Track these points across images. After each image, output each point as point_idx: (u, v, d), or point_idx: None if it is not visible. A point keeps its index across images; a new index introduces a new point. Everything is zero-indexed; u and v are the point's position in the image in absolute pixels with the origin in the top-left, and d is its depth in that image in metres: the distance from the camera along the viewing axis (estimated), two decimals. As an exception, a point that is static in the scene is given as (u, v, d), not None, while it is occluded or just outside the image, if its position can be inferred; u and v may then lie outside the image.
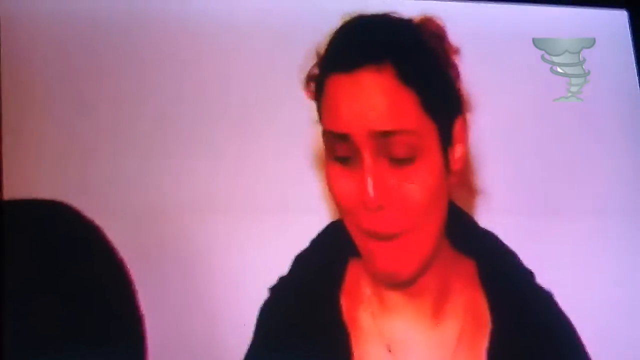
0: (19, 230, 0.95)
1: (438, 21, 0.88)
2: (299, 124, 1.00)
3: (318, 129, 0.88)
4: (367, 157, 0.80)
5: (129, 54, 1.06)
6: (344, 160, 0.83)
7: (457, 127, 0.86)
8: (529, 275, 0.97)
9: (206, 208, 1.05)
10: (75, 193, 1.00)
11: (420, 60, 0.84)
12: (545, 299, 0.96)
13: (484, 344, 0.90)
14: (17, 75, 1.01)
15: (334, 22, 0.88)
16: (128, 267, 0.99)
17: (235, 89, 1.08)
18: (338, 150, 0.83)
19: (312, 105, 0.89)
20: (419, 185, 0.82)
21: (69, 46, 1.05)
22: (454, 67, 0.89)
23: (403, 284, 0.88)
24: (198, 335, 1.01)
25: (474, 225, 0.98)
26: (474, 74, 1.14)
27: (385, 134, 0.80)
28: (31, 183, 0.99)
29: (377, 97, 0.80)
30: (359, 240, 0.86)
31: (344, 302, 0.92)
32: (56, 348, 0.92)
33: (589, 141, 1.17)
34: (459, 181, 0.91)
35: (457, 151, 0.86)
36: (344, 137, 0.81)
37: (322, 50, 0.87)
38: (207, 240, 1.04)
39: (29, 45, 1.03)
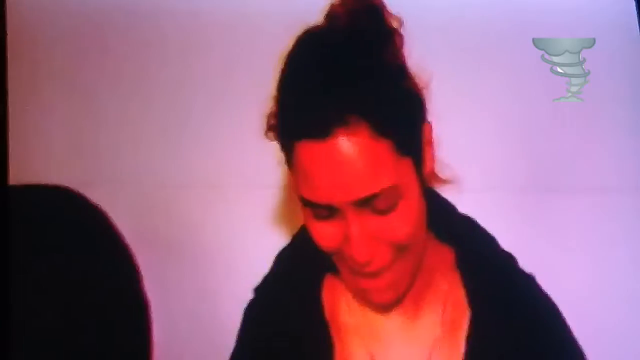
0: (25, 215, 0.96)
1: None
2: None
3: (284, 168, 0.83)
4: (352, 222, 0.78)
5: (133, 40, 1.08)
6: (325, 217, 0.80)
7: (424, 135, 0.83)
8: (508, 258, 0.94)
9: (210, 189, 1.06)
10: (80, 178, 1.01)
11: (388, 98, 0.77)
12: (525, 281, 0.93)
13: (463, 331, 0.88)
14: (24, 62, 1.02)
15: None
16: (134, 252, 1.00)
17: (228, 70, 1.09)
18: (318, 212, 0.80)
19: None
20: (404, 222, 0.80)
21: (75, 33, 1.07)
22: (398, 38, 0.82)
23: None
24: (203, 319, 1.01)
25: (452, 212, 0.95)
26: (473, 74, 1.16)
27: (367, 199, 0.77)
28: (37, 168, 1.00)
29: (355, 165, 0.75)
30: (348, 279, 0.84)
31: (326, 299, 0.90)
32: (61, 332, 0.92)
33: (589, 141, 1.18)
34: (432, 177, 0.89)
35: (427, 156, 0.83)
36: (324, 205, 0.78)
37: (275, 96, 0.80)
38: (212, 223, 1.05)
39: (35, 33, 1.05)
